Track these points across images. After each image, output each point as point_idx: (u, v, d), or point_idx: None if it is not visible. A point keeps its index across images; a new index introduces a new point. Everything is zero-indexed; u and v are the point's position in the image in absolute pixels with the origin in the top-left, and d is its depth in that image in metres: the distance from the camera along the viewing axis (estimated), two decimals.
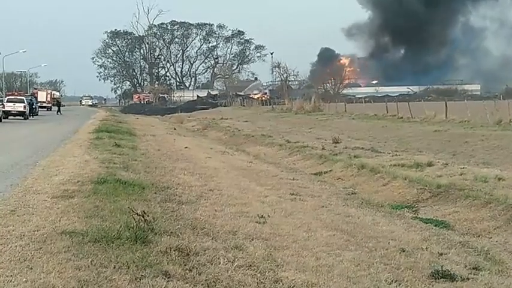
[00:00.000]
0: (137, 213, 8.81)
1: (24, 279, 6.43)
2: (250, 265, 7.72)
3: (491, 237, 11.40)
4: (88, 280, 6.46)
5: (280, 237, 9.51)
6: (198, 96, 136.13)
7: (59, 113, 70.42)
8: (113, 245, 7.76)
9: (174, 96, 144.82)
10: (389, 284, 7.52)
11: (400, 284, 7.54)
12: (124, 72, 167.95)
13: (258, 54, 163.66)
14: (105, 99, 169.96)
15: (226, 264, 7.65)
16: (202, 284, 6.86)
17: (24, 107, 53.15)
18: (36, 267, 6.83)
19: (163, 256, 7.53)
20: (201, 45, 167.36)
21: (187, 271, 7.16)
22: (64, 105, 79.41)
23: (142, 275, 6.75)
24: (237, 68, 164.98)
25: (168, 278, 6.82)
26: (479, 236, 11.47)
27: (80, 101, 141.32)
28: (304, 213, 11.86)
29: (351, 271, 7.87)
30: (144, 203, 11.12)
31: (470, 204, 13.37)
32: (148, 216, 8.91)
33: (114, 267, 6.90)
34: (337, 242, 9.53)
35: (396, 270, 8.05)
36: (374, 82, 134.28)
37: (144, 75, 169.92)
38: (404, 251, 9.09)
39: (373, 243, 9.58)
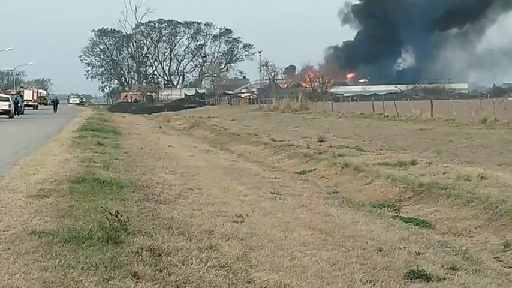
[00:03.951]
0: (110, 213, 8.69)
1: None
2: (223, 265, 7.59)
3: (472, 237, 11.30)
4: (53, 281, 6.32)
5: (257, 237, 9.39)
6: (185, 94, 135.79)
7: (55, 112, 70.40)
8: (83, 245, 7.62)
9: (161, 95, 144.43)
10: (364, 284, 7.40)
11: (374, 284, 7.43)
12: (112, 70, 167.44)
13: (246, 53, 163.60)
14: (81, 97, 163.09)
15: (199, 264, 7.52)
16: (171, 285, 6.73)
17: (9, 105, 52.79)
18: (2, 268, 6.69)
19: (134, 256, 7.39)
20: (189, 44, 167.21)
21: (157, 272, 7.02)
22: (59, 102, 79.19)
23: (110, 276, 6.61)
24: (225, 66, 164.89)
25: (137, 279, 6.68)
26: (459, 235, 11.37)
27: (67, 99, 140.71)
28: (283, 213, 11.73)
29: (326, 271, 7.75)
30: (121, 202, 10.99)
31: (452, 203, 13.27)
32: (122, 216, 8.79)
33: (82, 268, 6.76)
34: (314, 241, 9.41)
35: (372, 270, 7.94)
36: (362, 81, 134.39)
37: (131, 73, 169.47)
38: (381, 251, 8.98)
39: (351, 242, 9.46)
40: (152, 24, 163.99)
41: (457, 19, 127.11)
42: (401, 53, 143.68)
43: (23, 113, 61.38)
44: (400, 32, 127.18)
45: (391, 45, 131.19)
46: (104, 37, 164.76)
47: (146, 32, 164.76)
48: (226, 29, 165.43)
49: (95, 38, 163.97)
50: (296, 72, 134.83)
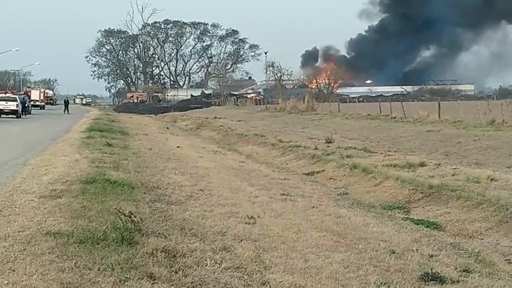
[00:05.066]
0: (124, 214, 8.71)
1: (5, 282, 6.32)
2: (238, 267, 7.62)
3: (482, 239, 11.31)
4: (71, 282, 6.36)
5: (269, 238, 9.41)
6: (191, 95, 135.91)
7: (66, 112, 70.53)
8: (98, 246, 7.65)
9: (168, 95, 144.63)
10: (378, 287, 7.41)
11: (389, 287, 7.44)
12: (118, 71, 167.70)
13: (252, 54, 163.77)
14: (81, 98, 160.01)
15: (213, 266, 7.55)
16: (187, 287, 6.76)
17: (17, 105, 53.00)
18: (19, 269, 6.72)
19: (150, 258, 7.42)
20: (195, 44, 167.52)
21: (173, 273, 7.05)
22: (69, 103, 79.23)
23: (127, 277, 6.65)
24: (231, 67, 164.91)
25: (153, 280, 6.71)
26: (470, 238, 11.39)
27: (74, 99, 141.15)
28: (295, 214, 11.76)
29: (340, 273, 7.77)
30: (133, 203, 11.00)
31: (462, 205, 13.27)
32: (135, 216, 8.81)
33: (99, 269, 6.79)
34: (327, 243, 9.43)
35: (385, 273, 7.95)
36: (368, 82, 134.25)
37: (138, 74, 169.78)
38: (394, 253, 8.99)
39: (363, 244, 9.48)
40: (158, 24, 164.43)
41: (488, 17, 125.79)
42: (420, 50, 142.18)
43: (30, 113, 61.58)
44: (425, 28, 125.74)
45: (413, 42, 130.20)
46: (110, 37, 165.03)
47: (152, 32, 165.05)
48: (233, 30, 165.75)
49: (101, 39, 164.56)
50: (318, 61, 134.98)
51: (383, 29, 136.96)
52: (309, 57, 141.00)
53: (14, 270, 6.69)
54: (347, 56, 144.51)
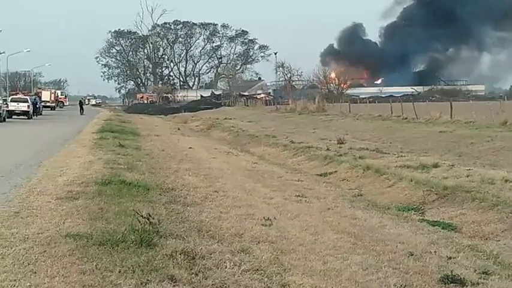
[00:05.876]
0: (142, 216, 8.71)
1: (28, 284, 6.35)
2: (257, 269, 7.62)
3: (499, 240, 11.24)
4: (93, 285, 6.38)
5: (287, 240, 9.40)
6: (201, 96, 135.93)
7: (82, 113, 70.71)
8: (117, 248, 7.66)
9: (177, 96, 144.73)
10: None
11: None
12: (128, 71, 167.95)
13: (262, 54, 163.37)
14: (89, 99, 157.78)
15: (233, 268, 7.55)
16: None
17: (28, 106, 53.26)
18: (40, 272, 6.74)
19: (169, 260, 7.43)
20: (204, 45, 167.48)
21: (193, 275, 7.06)
22: (83, 103, 79.54)
23: (148, 280, 6.65)
24: (240, 68, 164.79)
25: (174, 282, 6.72)
26: (487, 239, 11.33)
27: (84, 100, 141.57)
28: (311, 216, 11.75)
29: (359, 275, 7.75)
30: (149, 204, 11.02)
31: (477, 207, 13.21)
32: (153, 218, 8.82)
33: (119, 272, 6.80)
34: (345, 245, 9.41)
35: (405, 275, 7.93)
36: (378, 82, 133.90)
37: (147, 74, 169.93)
38: (412, 255, 8.97)
39: (381, 246, 9.45)
40: (168, 25, 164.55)
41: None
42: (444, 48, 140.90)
43: (41, 114, 61.81)
44: (452, 26, 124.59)
45: (438, 38, 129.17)
46: (120, 38, 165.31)
47: (162, 33, 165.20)
48: (242, 30, 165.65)
49: (111, 39, 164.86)
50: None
51: (411, 20, 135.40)
52: (328, 55, 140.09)
53: (35, 273, 6.71)
54: (377, 43, 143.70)
